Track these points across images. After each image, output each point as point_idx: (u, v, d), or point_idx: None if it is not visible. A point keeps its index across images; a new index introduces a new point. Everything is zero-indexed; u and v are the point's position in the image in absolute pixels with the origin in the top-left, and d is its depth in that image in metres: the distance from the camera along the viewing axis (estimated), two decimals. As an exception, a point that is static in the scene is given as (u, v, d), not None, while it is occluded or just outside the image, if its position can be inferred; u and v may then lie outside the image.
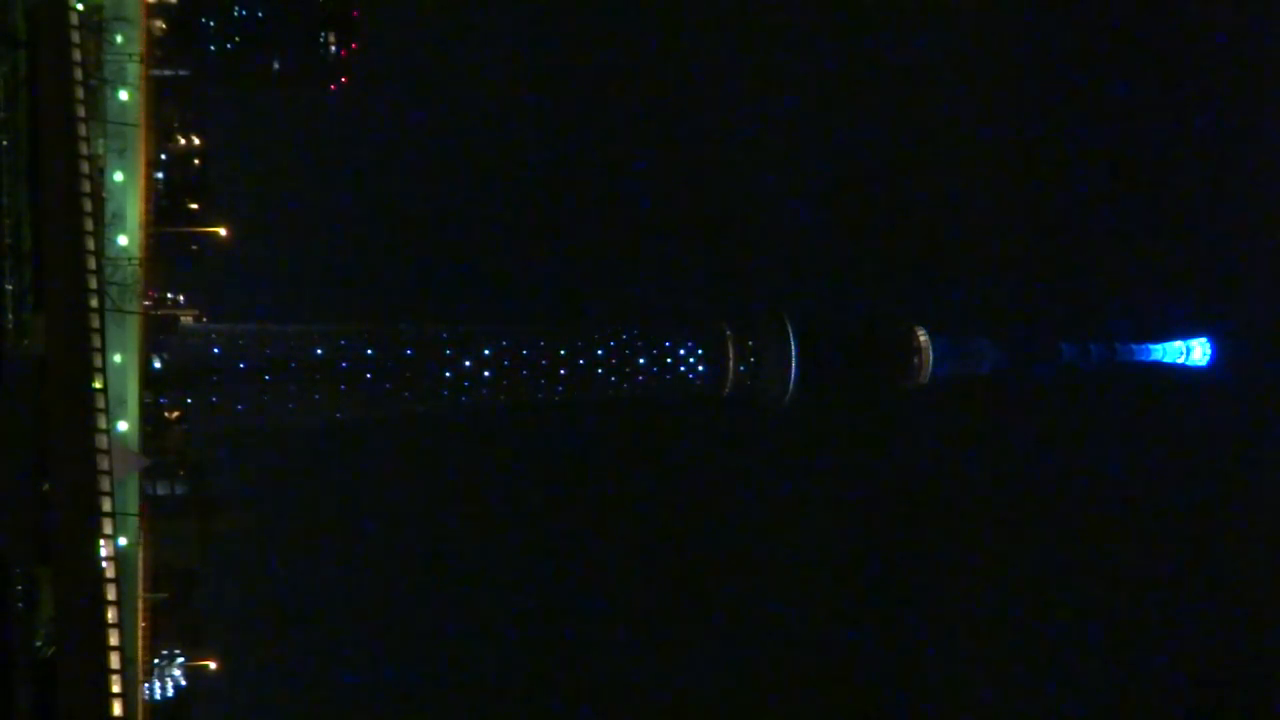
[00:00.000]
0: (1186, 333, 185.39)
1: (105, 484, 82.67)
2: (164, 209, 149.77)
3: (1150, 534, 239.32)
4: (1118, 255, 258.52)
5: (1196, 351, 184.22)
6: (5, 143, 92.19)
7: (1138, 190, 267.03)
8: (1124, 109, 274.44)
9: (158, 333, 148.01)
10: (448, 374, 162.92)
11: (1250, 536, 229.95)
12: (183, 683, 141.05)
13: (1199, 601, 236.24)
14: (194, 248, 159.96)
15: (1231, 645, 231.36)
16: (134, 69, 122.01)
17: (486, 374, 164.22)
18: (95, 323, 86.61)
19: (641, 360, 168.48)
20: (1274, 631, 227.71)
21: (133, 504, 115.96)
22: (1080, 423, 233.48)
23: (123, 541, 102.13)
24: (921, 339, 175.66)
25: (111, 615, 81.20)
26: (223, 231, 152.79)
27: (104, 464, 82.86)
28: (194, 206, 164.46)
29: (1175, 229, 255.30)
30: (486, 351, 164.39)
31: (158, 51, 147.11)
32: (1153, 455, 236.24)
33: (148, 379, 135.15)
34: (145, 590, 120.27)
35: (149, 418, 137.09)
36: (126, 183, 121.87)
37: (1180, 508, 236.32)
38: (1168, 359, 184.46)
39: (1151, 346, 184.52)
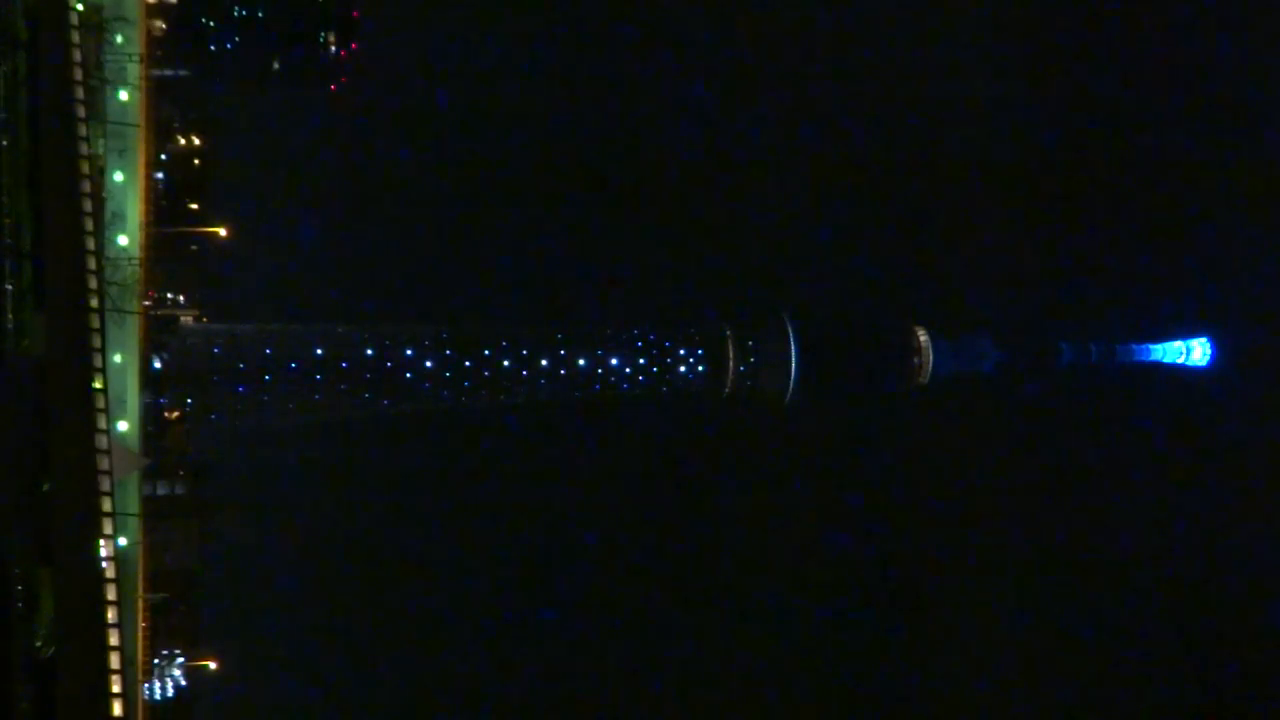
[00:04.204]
0: (1186, 333, 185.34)
1: (105, 484, 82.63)
2: (164, 209, 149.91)
3: (1150, 534, 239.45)
4: (1118, 255, 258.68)
5: (1196, 351, 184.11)
6: (5, 143, 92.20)
7: (1138, 190, 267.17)
8: (1124, 109, 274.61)
9: (158, 333, 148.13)
10: (447, 374, 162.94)
11: (1250, 536, 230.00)
12: (183, 683, 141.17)
13: (1199, 601, 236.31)
14: (194, 248, 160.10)
15: (1232, 645, 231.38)
16: (134, 69, 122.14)
17: (486, 373, 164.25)
18: (95, 323, 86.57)
19: (642, 360, 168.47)
20: (1275, 631, 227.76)
21: (133, 504, 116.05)
22: (1080, 423, 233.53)
23: (123, 541, 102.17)
24: (921, 339, 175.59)
25: (111, 615, 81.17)
26: (223, 231, 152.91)
27: (104, 464, 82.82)
28: (194, 206, 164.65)
29: (1175, 229, 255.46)
30: (486, 351, 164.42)
31: (158, 51, 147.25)
32: (1153, 455, 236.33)
33: (148, 379, 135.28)
34: (145, 590, 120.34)
35: (149, 418, 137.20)
36: (126, 183, 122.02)
37: (1180, 507, 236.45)
38: (1168, 359, 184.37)
39: (1151, 346, 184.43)
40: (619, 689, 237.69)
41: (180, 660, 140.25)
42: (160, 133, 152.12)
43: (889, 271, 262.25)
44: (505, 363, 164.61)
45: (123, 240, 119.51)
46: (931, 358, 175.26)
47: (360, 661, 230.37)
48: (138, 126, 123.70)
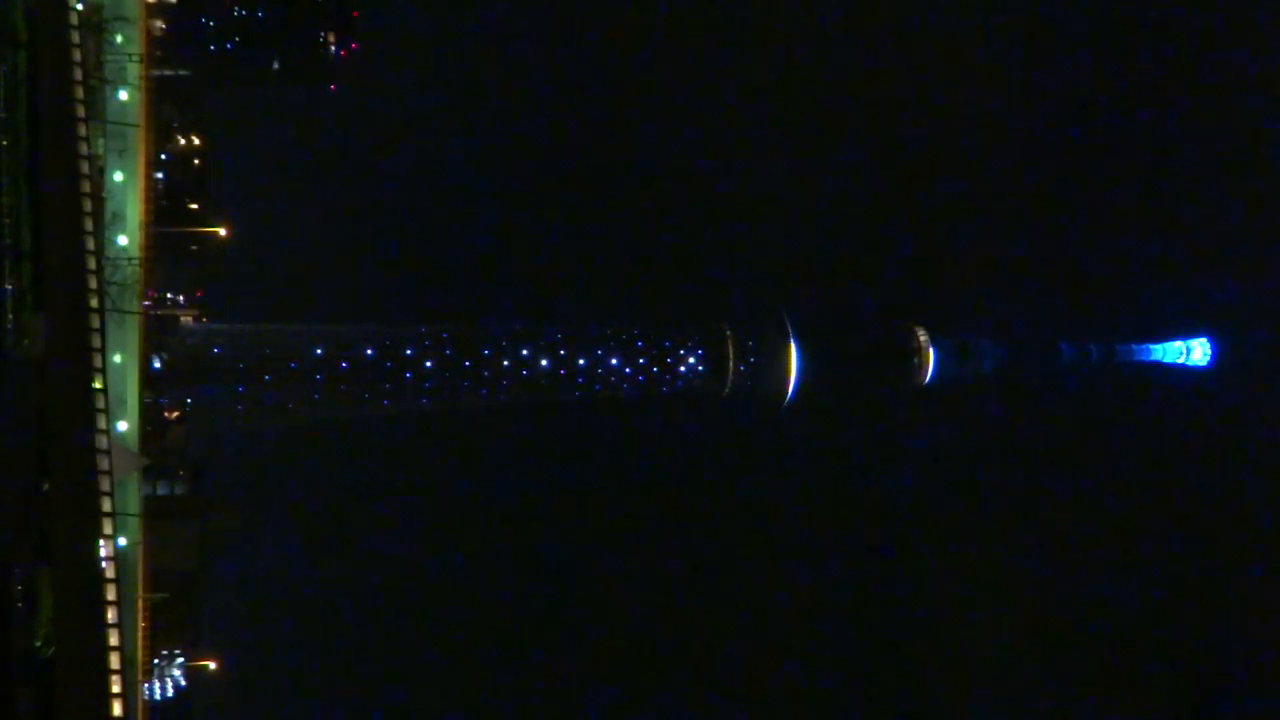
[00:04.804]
0: (1186, 333, 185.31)
1: (105, 484, 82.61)
2: (164, 209, 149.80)
3: (1150, 534, 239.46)
4: (1118, 255, 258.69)
5: (1196, 351, 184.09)
6: (5, 143, 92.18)
7: (1138, 190, 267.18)
8: (1124, 109, 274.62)
9: (158, 333, 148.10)
10: (447, 374, 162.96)
11: (1250, 536, 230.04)
12: (183, 683, 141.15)
13: (1198, 602, 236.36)
14: (194, 248, 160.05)
15: (1231, 645, 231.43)
16: (134, 69, 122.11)
17: (486, 373, 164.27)
18: (95, 323, 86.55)
19: (642, 360, 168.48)
20: (1274, 631, 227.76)
21: (133, 504, 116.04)
22: (1080, 423, 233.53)
23: (123, 541, 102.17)
24: (921, 339, 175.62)
25: (111, 615, 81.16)
26: (223, 231, 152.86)
27: (104, 464, 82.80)
28: (194, 206, 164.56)
29: (1175, 229, 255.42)
30: (486, 351, 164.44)
31: (158, 51, 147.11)
32: (1153, 455, 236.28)
33: (148, 379, 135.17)
34: (145, 590, 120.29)
35: (149, 418, 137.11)
36: (126, 183, 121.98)
37: (1179, 508, 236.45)
38: (1168, 359, 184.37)
39: (1151, 346, 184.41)
40: (618, 687, 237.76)
41: (180, 660, 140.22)
42: (160, 133, 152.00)
43: (889, 271, 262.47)
44: (505, 363, 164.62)
45: (123, 240, 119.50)
46: (931, 357, 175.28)
47: (360, 661, 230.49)
48: (138, 126, 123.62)
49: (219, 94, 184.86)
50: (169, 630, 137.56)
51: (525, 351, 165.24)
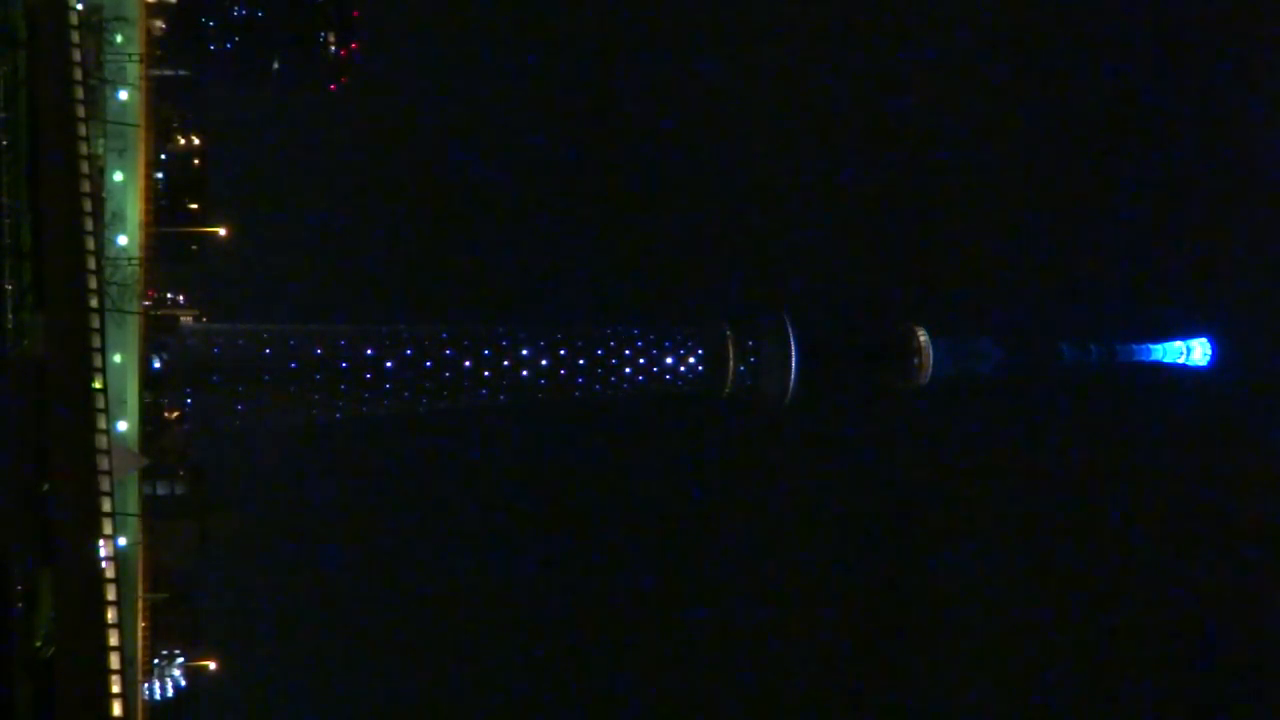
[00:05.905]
0: (1186, 333, 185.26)
1: (105, 484, 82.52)
2: (164, 209, 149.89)
3: (1150, 534, 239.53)
4: (1118, 255, 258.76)
5: (1196, 351, 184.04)
6: (5, 143, 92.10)
7: (1137, 190, 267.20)
8: (1124, 108, 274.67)
9: (158, 333, 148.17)
10: (447, 374, 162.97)
11: (1250, 537, 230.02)
12: (183, 683, 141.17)
13: (1200, 601, 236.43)
14: (194, 248, 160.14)
15: (1231, 646, 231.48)
16: (134, 69, 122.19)
17: (487, 374, 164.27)
18: (95, 323, 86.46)
19: (642, 360, 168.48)
20: (1274, 632, 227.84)
21: (133, 504, 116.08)
22: (1080, 423, 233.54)
23: (123, 541, 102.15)
24: (921, 339, 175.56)
25: (111, 615, 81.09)
26: (223, 231, 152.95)
27: (104, 464, 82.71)
28: (194, 206, 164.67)
29: (1175, 229, 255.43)
30: (485, 352, 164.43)
31: (158, 51, 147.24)
32: (1153, 455, 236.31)
33: (148, 379, 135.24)
34: (145, 590, 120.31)
35: (149, 418, 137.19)
36: (126, 183, 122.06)
37: (1180, 508, 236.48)
38: (1168, 359, 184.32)
39: (1151, 346, 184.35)
40: (617, 687, 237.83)
41: (180, 660, 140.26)
42: (160, 133, 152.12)
43: (889, 271, 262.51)
44: (505, 363, 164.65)
45: (122, 240, 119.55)
46: (931, 358, 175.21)
47: (360, 661, 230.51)
48: (138, 126, 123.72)
49: (219, 94, 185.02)
50: (169, 630, 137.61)
51: (525, 351, 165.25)
